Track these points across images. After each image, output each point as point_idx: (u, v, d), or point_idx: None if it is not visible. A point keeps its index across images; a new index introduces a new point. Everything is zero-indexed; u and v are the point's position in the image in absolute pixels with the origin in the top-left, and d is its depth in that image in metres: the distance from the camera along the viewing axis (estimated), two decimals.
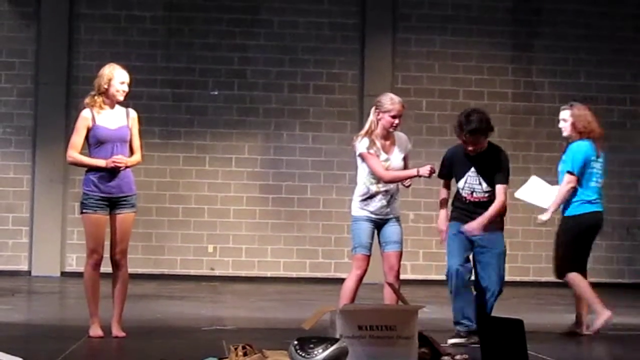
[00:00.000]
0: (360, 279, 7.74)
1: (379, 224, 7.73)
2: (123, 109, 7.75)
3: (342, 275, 15.18)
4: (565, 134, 8.61)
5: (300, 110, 15.79)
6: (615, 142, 16.17)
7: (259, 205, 15.62)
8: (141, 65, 14.75)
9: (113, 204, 7.57)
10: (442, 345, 6.66)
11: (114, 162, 7.48)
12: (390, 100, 7.71)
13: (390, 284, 7.24)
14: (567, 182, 8.38)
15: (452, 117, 15.53)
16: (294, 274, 15.49)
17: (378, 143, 7.70)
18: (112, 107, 7.68)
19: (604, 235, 16.09)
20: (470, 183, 7.84)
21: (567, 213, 8.40)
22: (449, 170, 8.05)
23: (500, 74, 16.06)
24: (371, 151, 7.67)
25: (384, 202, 7.68)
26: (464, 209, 7.88)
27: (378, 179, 7.66)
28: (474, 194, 7.82)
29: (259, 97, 15.73)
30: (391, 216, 7.74)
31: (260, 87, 15.76)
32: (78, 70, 15.40)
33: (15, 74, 15.44)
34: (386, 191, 7.69)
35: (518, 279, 14.79)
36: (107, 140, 7.56)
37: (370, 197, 7.69)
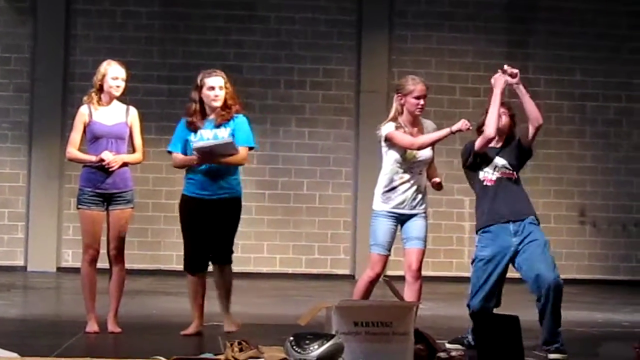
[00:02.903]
0: (373, 280, 7.41)
1: (402, 220, 7.41)
2: (123, 106, 7.80)
3: (338, 272, 15.34)
4: (218, 104, 7.71)
5: (297, 107, 15.78)
6: (611, 139, 16.24)
7: (254, 201, 15.59)
8: (137, 61, 14.73)
9: (108, 199, 7.60)
10: (438, 342, 6.66)
11: (101, 158, 7.52)
12: (412, 81, 7.43)
13: (386, 280, 7.09)
14: (245, 157, 7.93)
15: (449, 113, 15.70)
16: (289, 270, 15.49)
17: (405, 129, 7.39)
18: (109, 103, 7.72)
19: (599, 232, 16.21)
20: (500, 166, 7.24)
21: (239, 192, 7.98)
22: (475, 159, 7.34)
23: (496, 70, 15.88)
24: (399, 130, 7.35)
25: (409, 194, 7.36)
26: (494, 197, 7.17)
27: (404, 168, 7.34)
28: (505, 172, 7.23)
29: (255, 93, 15.71)
30: (416, 211, 7.41)
31: (256, 83, 15.74)
32: (74, 66, 15.39)
33: (11, 70, 15.43)
34: (411, 182, 7.36)
35: (514, 275, 14.80)
36: (103, 136, 7.63)
37: (394, 188, 7.36)
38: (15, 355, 6.06)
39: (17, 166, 15.37)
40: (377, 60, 15.74)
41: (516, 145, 7.38)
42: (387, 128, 7.39)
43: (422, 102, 7.42)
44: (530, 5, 16.24)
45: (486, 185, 7.29)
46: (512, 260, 7.20)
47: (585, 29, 16.16)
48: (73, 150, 7.73)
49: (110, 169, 7.55)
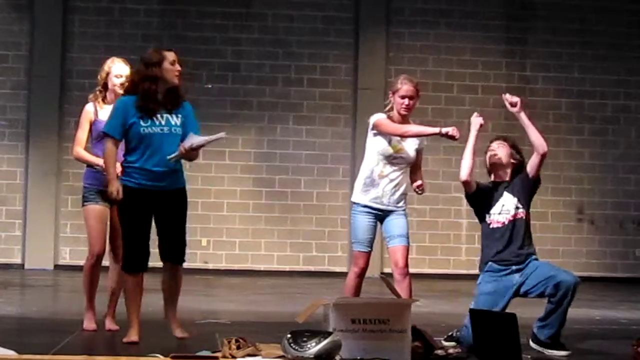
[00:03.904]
0: (359, 276, 7.42)
1: (381, 217, 7.42)
2: None
3: (336, 269, 15.33)
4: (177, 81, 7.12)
5: (294, 104, 15.79)
6: (609, 136, 16.25)
7: (252, 199, 15.62)
8: (135, 58, 14.51)
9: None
10: (435, 339, 6.66)
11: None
12: (401, 80, 7.44)
13: (383, 278, 7.07)
14: None
15: (446, 111, 15.71)
16: (287, 268, 15.50)
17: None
18: (114, 101, 7.65)
19: (597, 230, 16.21)
20: (507, 205, 7.23)
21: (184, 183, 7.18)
22: (479, 194, 7.35)
23: (494, 68, 16.07)
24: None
25: (387, 189, 7.37)
26: (499, 239, 7.18)
27: (387, 161, 7.37)
28: (511, 212, 7.22)
29: (252, 91, 15.72)
30: (394, 208, 7.40)
31: (254, 80, 15.75)
32: (72, 63, 15.38)
33: (8, 67, 15.42)
34: (391, 177, 7.38)
35: None
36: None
37: (374, 180, 7.39)
38: (12, 352, 6.06)
39: (14, 164, 15.36)
40: (374, 58, 15.74)
41: (525, 176, 7.32)
42: (377, 116, 7.47)
43: (406, 101, 7.40)
44: (529, 3, 16.24)
45: (493, 228, 7.28)
46: (516, 295, 7.20)
47: (584, 26, 16.17)
48: (80, 150, 7.65)
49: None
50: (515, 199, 7.26)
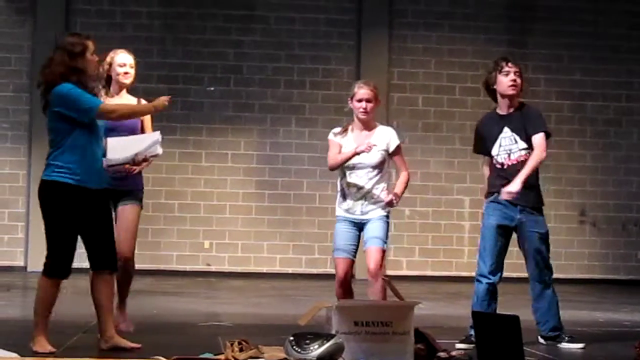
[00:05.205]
0: (341, 283, 7.38)
1: (361, 226, 7.39)
2: (134, 99, 7.67)
3: None
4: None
5: (296, 106, 15.79)
6: (611, 139, 16.25)
7: (254, 201, 15.62)
8: (137, 60, 14.65)
9: (116, 198, 7.52)
10: (438, 341, 6.66)
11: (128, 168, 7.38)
12: (357, 85, 7.38)
13: (385, 280, 7.02)
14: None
15: (448, 113, 15.72)
16: (289, 270, 15.49)
17: (351, 133, 7.39)
18: (118, 93, 7.58)
19: (599, 232, 16.22)
20: (505, 145, 7.25)
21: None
22: (483, 141, 7.39)
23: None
24: (335, 139, 7.40)
25: (358, 197, 7.33)
26: (503, 178, 7.18)
27: (348, 173, 7.35)
28: (512, 156, 7.23)
29: (254, 93, 15.73)
30: (370, 217, 7.32)
31: (256, 83, 15.76)
32: None
33: (11, 70, 15.44)
34: (357, 187, 7.34)
35: (514, 275, 14.80)
36: (115, 130, 7.22)
37: (344, 192, 7.43)
38: (15, 355, 6.06)
39: (17, 166, 15.37)
40: (376, 60, 15.74)
41: (527, 120, 7.29)
42: (330, 134, 7.51)
43: (364, 104, 7.29)
44: (530, 5, 16.24)
45: (497, 167, 7.31)
46: (515, 231, 7.34)
47: (585, 28, 16.17)
48: None
49: (133, 172, 7.49)
50: (516, 136, 7.25)
